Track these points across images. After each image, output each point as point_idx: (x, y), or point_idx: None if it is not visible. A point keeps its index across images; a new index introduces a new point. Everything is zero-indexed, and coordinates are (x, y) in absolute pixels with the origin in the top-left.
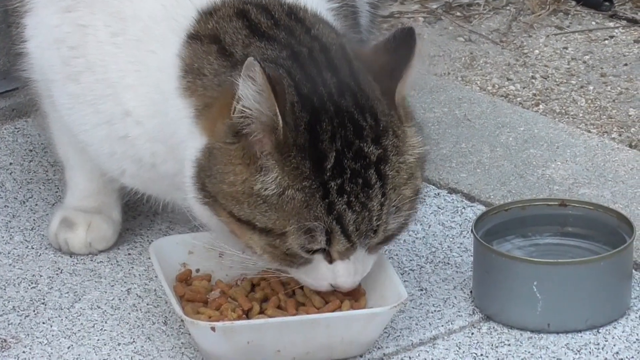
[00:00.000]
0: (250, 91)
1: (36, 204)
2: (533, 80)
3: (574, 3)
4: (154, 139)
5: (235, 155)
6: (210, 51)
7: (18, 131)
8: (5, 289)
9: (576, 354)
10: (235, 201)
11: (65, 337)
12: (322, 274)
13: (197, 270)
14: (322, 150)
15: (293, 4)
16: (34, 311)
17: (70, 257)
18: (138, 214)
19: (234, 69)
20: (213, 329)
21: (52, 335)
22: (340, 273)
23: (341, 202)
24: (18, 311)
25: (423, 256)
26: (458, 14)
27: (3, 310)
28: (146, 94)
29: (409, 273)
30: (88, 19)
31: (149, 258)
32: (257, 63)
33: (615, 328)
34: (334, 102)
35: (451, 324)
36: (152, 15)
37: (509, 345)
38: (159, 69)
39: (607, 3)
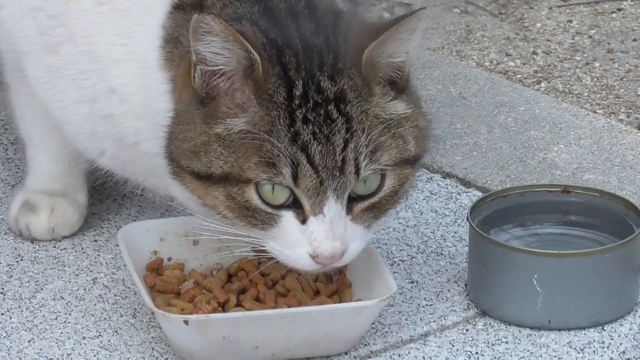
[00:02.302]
0: (213, 45)
1: None
2: (534, 56)
3: None
4: (138, 116)
5: (197, 115)
6: (191, 18)
7: None
8: None
9: (579, 352)
10: (193, 155)
11: (25, 330)
12: (295, 238)
13: (169, 259)
14: (292, 78)
15: None
16: None
17: (32, 243)
18: (105, 198)
19: None
20: (186, 322)
21: (12, 328)
22: (316, 234)
23: (306, 130)
24: None
25: (414, 246)
26: None
27: None
28: (132, 69)
29: (398, 264)
30: None
31: (117, 245)
32: (205, 16)
33: (621, 325)
34: (305, 40)
35: (444, 319)
36: None
37: (507, 342)
38: (146, 42)
39: None
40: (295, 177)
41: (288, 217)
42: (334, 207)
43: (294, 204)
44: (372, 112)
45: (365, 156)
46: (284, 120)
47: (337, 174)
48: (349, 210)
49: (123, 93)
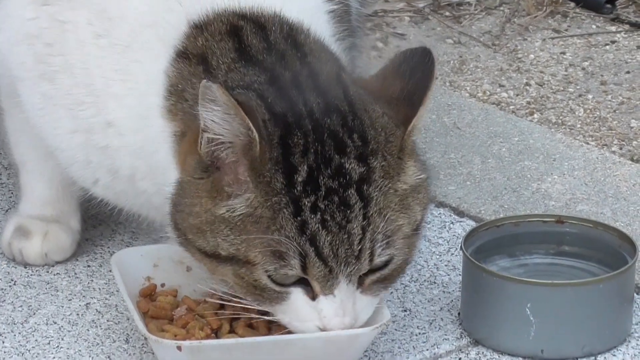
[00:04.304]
0: (216, 115)
1: None
2: (527, 87)
3: (573, 5)
4: (135, 154)
5: (202, 188)
6: (196, 73)
7: None
8: None
9: None
10: (199, 233)
11: (18, 354)
12: (304, 313)
13: (163, 285)
14: (293, 164)
15: (295, 26)
16: None
17: (25, 267)
18: (99, 223)
19: None
20: (179, 348)
21: (4, 352)
22: (325, 312)
23: (314, 220)
24: None
25: (407, 274)
26: (447, 13)
27: None
28: (132, 106)
29: (392, 292)
30: (68, 14)
31: (110, 271)
32: (212, 84)
33: (614, 355)
34: (314, 120)
35: (437, 347)
36: (139, 19)
37: None
38: (146, 81)
39: (609, 5)
40: (304, 267)
41: (297, 294)
42: (344, 289)
43: (304, 281)
44: (392, 188)
45: (381, 243)
46: (288, 208)
47: (353, 262)
48: (359, 284)
49: (120, 127)
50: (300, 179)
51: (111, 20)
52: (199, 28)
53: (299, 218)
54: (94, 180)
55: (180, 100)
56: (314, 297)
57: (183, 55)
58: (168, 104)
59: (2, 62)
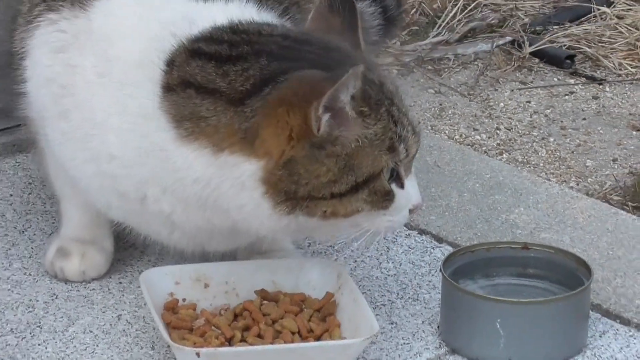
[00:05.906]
0: (355, 84)
1: (34, 234)
2: (497, 131)
3: (537, 60)
4: (143, 182)
5: (322, 154)
6: (191, 96)
7: (18, 165)
8: (3, 312)
9: None
10: (334, 182)
11: (58, 359)
12: (402, 202)
13: (184, 300)
14: (371, 87)
15: (230, 22)
16: (30, 334)
17: (65, 283)
18: (129, 246)
19: (231, 103)
20: (198, 354)
21: (47, 357)
22: (412, 191)
23: (397, 114)
24: (15, 333)
25: (394, 292)
26: (429, 67)
27: (1, 332)
28: (132, 140)
29: (380, 308)
30: (78, 59)
31: (139, 287)
32: (357, 67)
33: None
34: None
35: (419, 356)
36: (131, 58)
37: None
38: (144, 117)
39: (568, 61)
40: (407, 150)
41: (395, 188)
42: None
43: (393, 178)
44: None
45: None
46: (386, 115)
47: (419, 139)
48: None
49: (122, 159)
50: (374, 94)
51: (110, 60)
52: (169, 65)
53: (390, 114)
54: (107, 204)
55: (198, 121)
56: (402, 185)
57: (168, 88)
58: (182, 130)
59: (32, 104)
